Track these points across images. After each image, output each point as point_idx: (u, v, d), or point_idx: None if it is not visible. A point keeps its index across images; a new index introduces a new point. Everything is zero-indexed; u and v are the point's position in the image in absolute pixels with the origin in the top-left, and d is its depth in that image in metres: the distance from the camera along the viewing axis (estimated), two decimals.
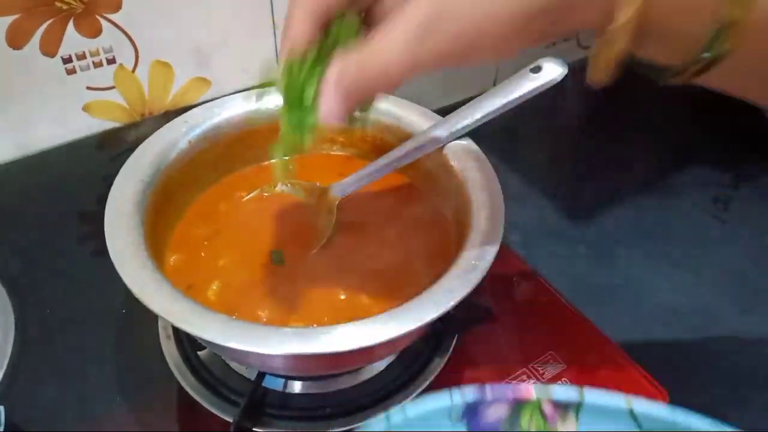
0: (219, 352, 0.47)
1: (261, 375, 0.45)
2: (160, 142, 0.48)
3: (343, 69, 0.33)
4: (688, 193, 0.79)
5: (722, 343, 0.61)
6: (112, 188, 0.43)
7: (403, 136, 0.51)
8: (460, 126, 0.48)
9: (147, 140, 0.48)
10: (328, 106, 0.34)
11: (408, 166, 0.50)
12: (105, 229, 0.41)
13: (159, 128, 0.49)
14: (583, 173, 0.79)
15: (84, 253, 0.58)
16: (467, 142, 0.49)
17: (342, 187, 0.50)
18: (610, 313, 0.59)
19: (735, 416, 0.54)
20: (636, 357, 0.51)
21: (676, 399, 0.49)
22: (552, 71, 0.44)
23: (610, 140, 0.84)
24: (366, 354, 0.41)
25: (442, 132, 0.48)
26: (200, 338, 0.36)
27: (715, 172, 0.82)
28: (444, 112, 0.52)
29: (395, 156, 0.49)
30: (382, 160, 0.49)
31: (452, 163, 0.49)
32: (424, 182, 0.52)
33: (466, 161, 0.48)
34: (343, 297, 0.44)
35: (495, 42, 0.31)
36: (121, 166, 0.46)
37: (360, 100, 0.34)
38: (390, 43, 0.31)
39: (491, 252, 0.40)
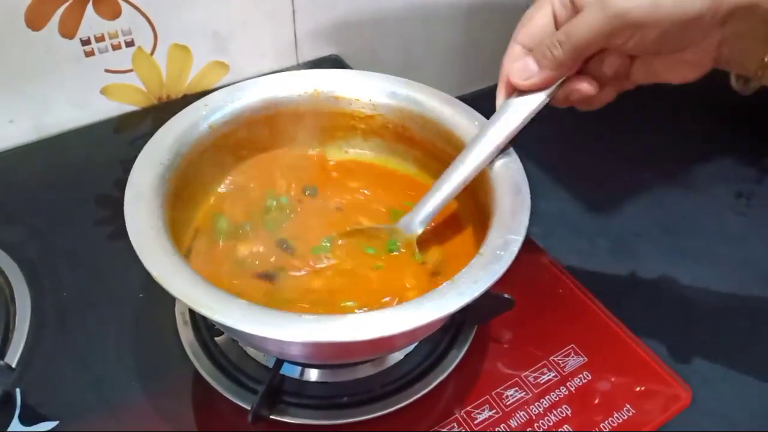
0: (237, 338, 0.46)
1: (279, 362, 0.45)
2: (181, 125, 0.47)
3: (551, 39, 0.42)
4: (711, 187, 0.78)
5: (745, 340, 0.60)
6: (132, 171, 0.43)
7: (425, 122, 0.50)
8: (513, 127, 0.45)
9: (167, 123, 0.47)
10: (531, 68, 0.43)
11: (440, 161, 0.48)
12: (125, 211, 0.40)
13: (177, 112, 0.48)
14: (604, 166, 0.78)
15: (101, 237, 0.58)
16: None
17: (412, 220, 0.46)
18: (630, 307, 0.58)
19: (762, 415, 0.53)
20: (658, 351, 0.50)
21: (700, 396, 0.48)
22: None
23: (632, 133, 0.83)
24: (386, 343, 0.41)
25: (497, 138, 0.45)
26: (220, 323, 0.35)
27: (739, 166, 0.81)
28: (462, 100, 0.51)
29: (465, 171, 0.45)
30: (453, 179, 0.45)
31: None
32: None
33: None
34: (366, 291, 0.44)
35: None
36: (138, 150, 0.45)
37: (566, 67, 0.42)
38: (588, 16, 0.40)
39: (516, 242, 0.40)
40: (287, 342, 0.36)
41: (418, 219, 0.46)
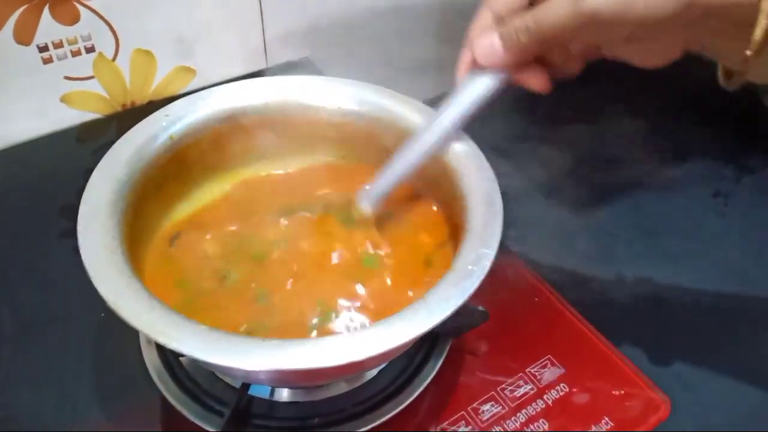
0: (201, 364, 0.44)
1: (246, 383, 0.43)
2: (139, 138, 0.45)
3: (520, 23, 0.40)
4: (688, 187, 0.77)
5: (724, 341, 0.59)
6: (86, 189, 0.41)
7: (397, 131, 0.49)
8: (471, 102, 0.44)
9: (124, 135, 0.45)
10: (497, 47, 0.41)
11: None
12: (78, 232, 0.38)
13: (141, 119, 0.46)
14: (580, 167, 0.77)
15: (64, 250, 0.55)
16: (461, 137, 0.47)
17: (371, 195, 0.46)
18: (607, 311, 0.57)
19: (743, 417, 0.52)
20: (636, 357, 0.50)
21: (680, 402, 0.47)
22: None
23: (607, 133, 0.82)
24: (355, 366, 0.39)
25: (454, 114, 0.45)
26: (179, 352, 0.34)
27: (716, 165, 0.80)
28: (433, 102, 0.50)
29: (420, 149, 0.45)
30: (409, 156, 0.45)
31: (446, 158, 0.46)
32: (416, 179, 0.49)
33: (461, 157, 0.46)
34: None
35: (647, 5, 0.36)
36: None
37: (531, 52, 0.41)
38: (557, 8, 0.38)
39: (488, 256, 0.38)
40: (250, 371, 0.34)
41: (370, 198, 0.46)
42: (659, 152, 0.81)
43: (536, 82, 0.43)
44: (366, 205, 0.46)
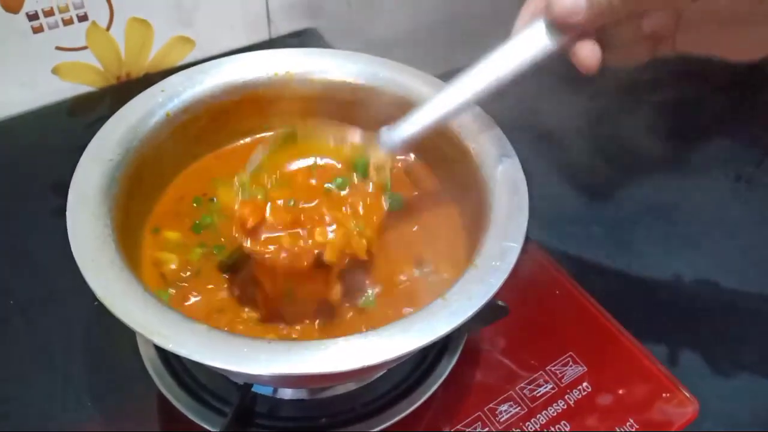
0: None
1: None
2: (133, 115, 0.41)
3: None
4: (709, 170, 0.74)
5: (748, 332, 0.57)
6: (76, 171, 0.38)
7: (409, 105, 0.45)
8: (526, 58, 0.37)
9: (117, 113, 0.41)
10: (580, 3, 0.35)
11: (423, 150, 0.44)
12: (67, 219, 0.35)
13: (138, 92, 0.43)
14: (598, 151, 0.74)
15: (55, 229, 0.52)
16: (486, 120, 0.43)
17: (391, 137, 0.38)
18: (627, 302, 0.54)
19: None
20: (659, 352, 0.47)
21: (708, 406, 0.44)
22: None
23: (626, 116, 0.79)
24: (367, 371, 0.36)
25: (506, 64, 0.37)
26: (177, 353, 0.31)
27: (738, 148, 0.77)
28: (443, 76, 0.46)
29: (459, 95, 0.38)
30: (446, 99, 0.38)
31: (464, 140, 0.43)
32: (436, 167, 0.46)
33: (481, 139, 0.42)
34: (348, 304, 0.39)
35: None
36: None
37: (615, 16, 0.35)
38: None
39: (514, 250, 0.35)
40: (254, 375, 0.31)
41: (400, 136, 0.38)
42: (679, 134, 0.77)
43: (590, 59, 0.37)
44: (389, 145, 0.39)
